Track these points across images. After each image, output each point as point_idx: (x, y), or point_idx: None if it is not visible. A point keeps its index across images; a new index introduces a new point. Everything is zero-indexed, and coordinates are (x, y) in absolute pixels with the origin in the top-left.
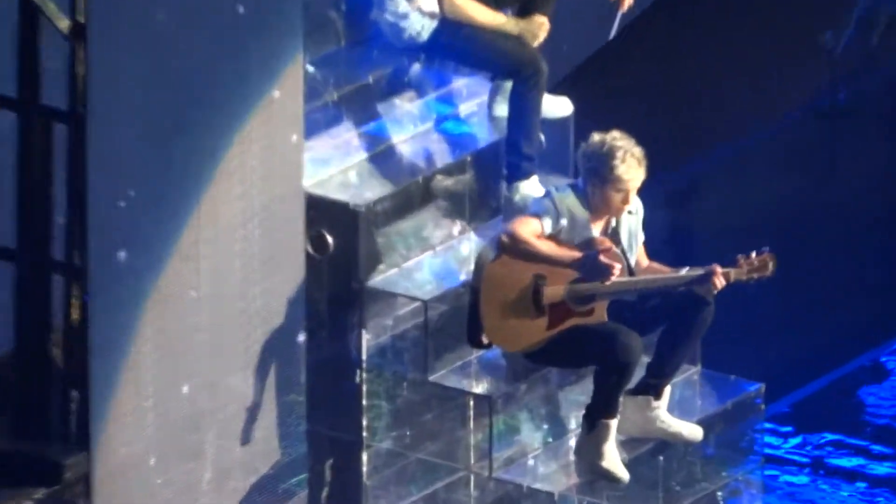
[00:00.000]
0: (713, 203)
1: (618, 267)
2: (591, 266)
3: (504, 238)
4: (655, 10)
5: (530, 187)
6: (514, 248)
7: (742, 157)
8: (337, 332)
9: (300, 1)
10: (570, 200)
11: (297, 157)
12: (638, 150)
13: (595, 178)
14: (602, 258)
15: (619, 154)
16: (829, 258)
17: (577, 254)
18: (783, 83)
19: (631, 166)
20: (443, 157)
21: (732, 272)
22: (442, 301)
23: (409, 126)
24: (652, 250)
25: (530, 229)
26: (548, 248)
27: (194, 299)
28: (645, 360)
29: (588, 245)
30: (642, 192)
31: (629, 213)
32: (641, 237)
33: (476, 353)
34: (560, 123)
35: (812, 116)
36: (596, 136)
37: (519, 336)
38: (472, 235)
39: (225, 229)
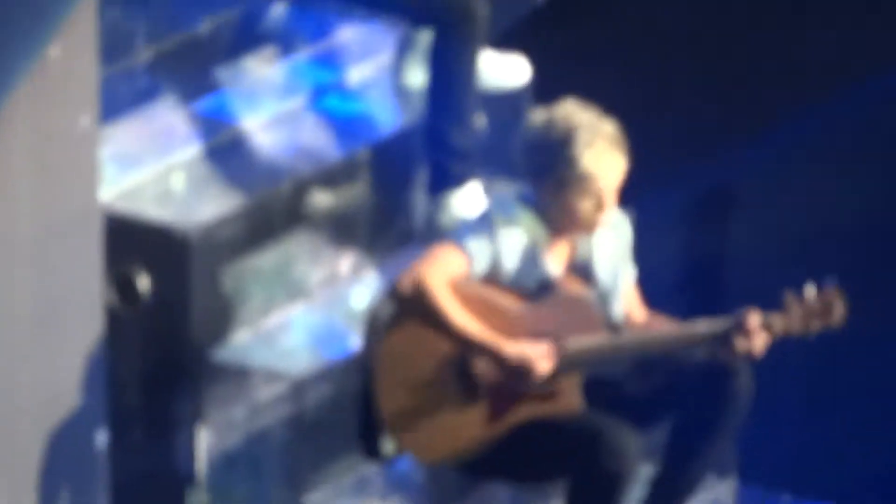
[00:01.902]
0: (756, 219)
1: (541, 365)
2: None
3: (403, 285)
4: None
5: (467, 200)
6: (414, 305)
7: (800, 147)
8: (158, 431)
9: None
10: (520, 220)
11: (89, 151)
12: (609, 128)
13: (547, 180)
14: (512, 353)
15: (581, 135)
16: None
17: (495, 344)
18: (870, 20)
19: (601, 152)
20: (322, 152)
21: (777, 319)
22: (324, 380)
23: (268, 102)
24: (653, 296)
25: (445, 271)
26: (460, 317)
27: None
28: (646, 470)
29: (545, 290)
30: (632, 202)
31: (607, 229)
32: (630, 271)
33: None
34: (512, 96)
35: None
36: (539, 114)
37: (442, 438)
38: (371, 277)
39: None
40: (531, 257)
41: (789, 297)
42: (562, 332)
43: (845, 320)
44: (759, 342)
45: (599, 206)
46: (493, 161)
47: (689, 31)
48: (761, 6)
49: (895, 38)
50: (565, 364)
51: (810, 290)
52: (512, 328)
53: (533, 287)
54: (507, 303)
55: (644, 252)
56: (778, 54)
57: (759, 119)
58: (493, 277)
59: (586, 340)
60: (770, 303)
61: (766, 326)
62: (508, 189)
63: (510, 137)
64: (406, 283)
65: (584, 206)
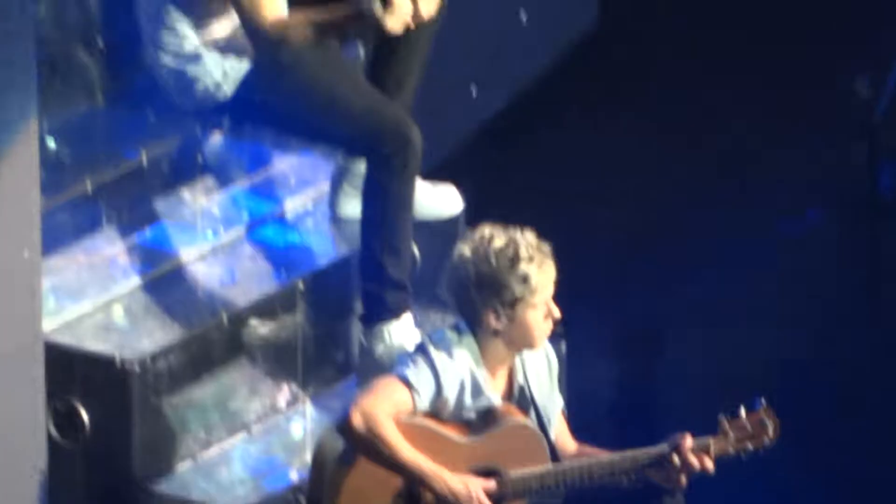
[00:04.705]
0: (684, 352)
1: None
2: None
3: (354, 421)
4: (590, 49)
5: (401, 332)
6: (363, 440)
7: (727, 279)
8: None
9: (31, 31)
10: (459, 351)
11: (31, 283)
12: (534, 238)
13: (497, 306)
14: (458, 486)
15: (523, 252)
16: (872, 430)
17: (441, 477)
18: (792, 159)
19: (543, 262)
20: (259, 283)
21: (712, 443)
22: None
23: (206, 234)
24: (580, 428)
25: (391, 405)
26: (408, 451)
27: None
28: None
29: (488, 419)
30: (561, 334)
31: (539, 359)
32: (559, 401)
33: None
34: (445, 228)
35: (840, 210)
36: (465, 248)
37: None
38: (308, 408)
39: None
40: (472, 388)
41: (723, 420)
42: (508, 462)
43: (778, 437)
44: (694, 464)
45: (550, 315)
46: (427, 291)
47: (612, 172)
48: (677, 155)
49: (811, 181)
50: (509, 493)
51: (743, 412)
52: (458, 460)
53: (476, 417)
54: (453, 434)
55: (572, 383)
56: (700, 197)
57: (685, 258)
58: (437, 409)
59: (529, 469)
60: (705, 429)
61: (703, 449)
62: (443, 319)
63: (444, 268)
64: (356, 419)
65: (538, 318)
